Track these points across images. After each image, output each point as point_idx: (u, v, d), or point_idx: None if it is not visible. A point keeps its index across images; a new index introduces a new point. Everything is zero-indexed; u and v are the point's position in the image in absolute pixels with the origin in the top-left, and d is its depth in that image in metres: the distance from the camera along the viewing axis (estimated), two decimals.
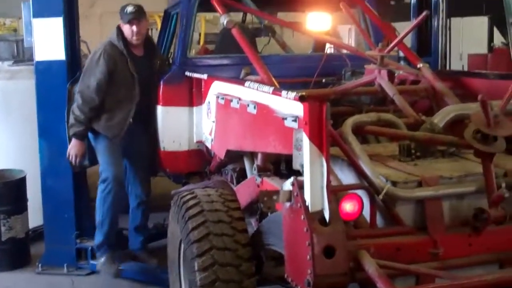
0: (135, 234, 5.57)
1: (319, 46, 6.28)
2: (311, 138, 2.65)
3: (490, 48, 11.73)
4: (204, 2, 5.09)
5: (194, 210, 3.52)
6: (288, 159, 2.97)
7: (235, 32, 4.44)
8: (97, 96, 4.94)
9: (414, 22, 4.27)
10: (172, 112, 5.06)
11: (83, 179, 5.59)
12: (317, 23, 5.26)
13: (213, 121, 4.56)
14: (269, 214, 3.38)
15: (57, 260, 5.42)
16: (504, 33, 7.34)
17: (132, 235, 5.59)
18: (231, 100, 4.00)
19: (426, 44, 6.96)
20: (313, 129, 2.65)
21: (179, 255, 3.91)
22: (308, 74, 5.15)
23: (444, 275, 2.76)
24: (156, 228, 5.92)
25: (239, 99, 3.85)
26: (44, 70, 5.27)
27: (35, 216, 5.82)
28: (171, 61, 5.48)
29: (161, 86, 5.09)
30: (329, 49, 6.09)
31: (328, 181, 2.67)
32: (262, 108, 3.43)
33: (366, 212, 2.95)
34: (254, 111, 3.56)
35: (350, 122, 3.34)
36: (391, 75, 4.76)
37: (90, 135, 5.11)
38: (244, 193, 3.97)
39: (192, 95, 5.02)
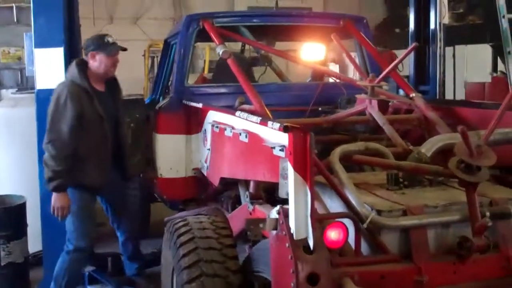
0: (129, 263, 5.57)
1: (318, 74, 6.37)
2: (295, 168, 2.71)
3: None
4: (201, 32, 5.19)
5: (186, 237, 3.58)
6: None
7: (230, 62, 4.54)
8: (71, 143, 4.58)
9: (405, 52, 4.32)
10: (169, 140, 5.13)
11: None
12: (311, 53, 5.34)
13: (209, 149, 4.64)
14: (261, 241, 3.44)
15: None
16: (504, 62, 7.42)
17: (126, 263, 5.59)
18: (225, 129, 4.08)
19: (424, 72, 7.05)
20: (297, 159, 2.71)
21: (171, 281, 3.96)
22: (304, 103, 5.25)
23: None
24: (153, 254, 5.95)
25: (232, 127, 3.93)
26: (44, 99, 5.32)
27: (35, 242, 5.88)
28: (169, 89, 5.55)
29: (159, 114, 5.16)
30: (328, 78, 6.19)
31: (312, 209, 2.73)
32: (253, 137, 3.50)
33: (352, 240, 3.00)
34: (246, 140, 3.63)
35: (338, 151, 3.40)
36: (385, 104, 4.85)
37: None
38: (237, 220, 4.02)
39: (189, 123, 5.10)
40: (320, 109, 5.18)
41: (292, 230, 2.76)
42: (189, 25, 5.22)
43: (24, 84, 7.73)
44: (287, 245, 2.79)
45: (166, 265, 3.98)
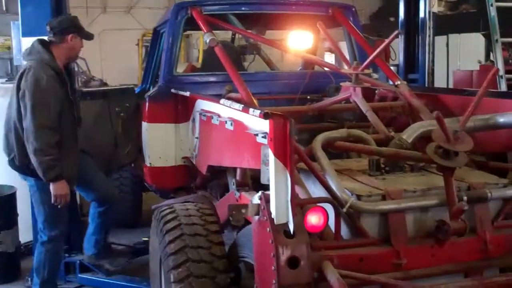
0: (89, 243, 5.39)
1: (308, 63, 6.42)
2: (275, 154, 2.77)
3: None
4: (190, 20, 5.22)
5: (172, 224, 3.64)
6: None
7: (217, 50, 4.58)
8: (59, 128, 4.46)
9: (387, 40, 4.37)
10: (158, 129, 5.16)
11: (72, 194, 5.68)
12: (299, 41, 5.39)
13: (197, 138, 4.69)
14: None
15: None
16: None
17: (91, 238, 5.39)
18: (212, 117, 4.13)
19: (413, 61, 7.11)
20: (278, 145, 2.77)
21: (160, 268, 4.02)
22: (293, 91, 5.30)
23: (404, 285, 2.88)
24: (145, 243, 6.02)
25: (219, 116, 3.98)
26: None
27: (26, 232, 5.93)
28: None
29: (147, 103, 5.20)
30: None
31: (293, 194, 2.80)
32: (238, 125, 3.56)
33: (332, 224, 3.07)
34: (231, 128, 3.68)
35: (320, 138, 3.46)
36: (371, 92, 4.91)
37: (32, 182, 4.67)
38: (224, 207, 4.07)
39: (178, 112, 5.13)
40: (308, 97, 5.23)
41: (273, 215, 2.83)
42: (177, 13, 5.25)
43: (14, 73, 7.73)
44: (268, 229, 2.87)
45: (154, 252, 4.05)
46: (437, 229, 3.08)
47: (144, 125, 5.25)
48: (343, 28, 5.55)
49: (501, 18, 6.81)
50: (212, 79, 5.35)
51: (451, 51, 14.42)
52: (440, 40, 13.08)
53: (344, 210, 3.02)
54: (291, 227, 2.82)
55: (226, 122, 3.76)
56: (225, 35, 7.20)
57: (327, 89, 5.28)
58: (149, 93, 5.30)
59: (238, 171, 3.88)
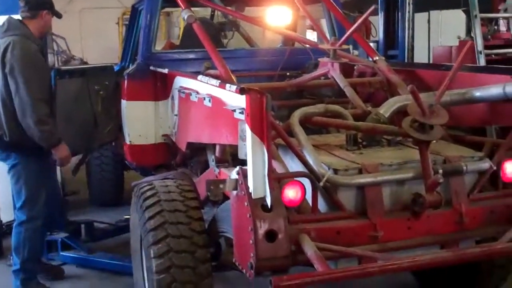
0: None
1: (288, 40, 6.41)
2: (252, 129, 2.79)
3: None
4: None
5: (151, 200, 3.65)
6: None
7: (195, 27, 4.55)
8: (49, 99, 4.58)
9: (364, 15, 4.37)
10: (137, 107, 5.15)
11: (54, 173, 5.68)
12: (278, 17, 5.38)
13: (176, 115, 4.69)
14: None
15: None
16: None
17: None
18: (191, 94, 4.13)
19: (393, 37, 7.15)
20: (255, 120, 2.79)
21: (140, 245, 4.04)
22: (273, 68, 5.29)
23: (380, 257, 2.92)
24: (126, 221, 6.03)
25: (197, 92, 3.98)
26: None
27: (8, 211, 5.92)
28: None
29: (126, 81, 5.18)
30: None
31: (270, 169, 2.82)
32: (216, 101, 3.57)
33: (310, 199, 3.10)
34: (210, 104, 3.69)
35: (297, 113, 3.49)
36: (350, 68, 4.92)
37: (17, 160, 4.65)
38: (204, 184, 4.10)
39: (157, 90, 5.11)
40: (288, 74, 5.23)
41: (251, 189, 2.86)
42: None
43: None
44: (246, 204, 2.90)
45: (134, 228, 4.07)
46: (413, 202, 3.13)
47: (123, 103, 5.23)
48: (322, 4, 5.55)
49: None
50: (191, 56, 5.33)
51: (433, 28, 14.47)
52: (422, 17, 13.12)
53: (321, 184, 3.05)
54: (268, 201, 2.85)
55: (204, 98, 3.76)
56: (204, 12, 7.18)
57: (306, 66, 5.29)
58: (127, 71, 5.28)
59: (217, 148, 3.89)
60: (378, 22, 7.15)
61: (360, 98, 4.34)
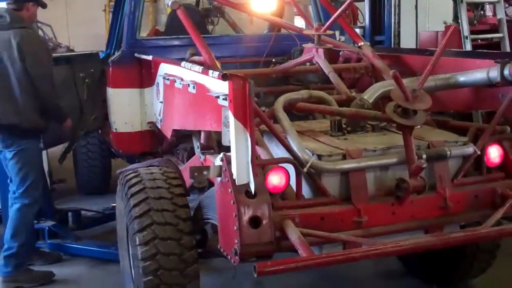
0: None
1: (274, 26, 6.38)
2: (235, 115, 2.79)
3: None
4: None
5: (136, 188, 3.64)
6: None
7: (179, 12, 4.52)
8: None
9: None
10: (122, 94, 5.14)
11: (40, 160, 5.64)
12: (264, 3, 5.36)
13: (161, 102, 4.67)
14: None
15: None
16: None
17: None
18: (175, 81, 4.11)
19: (379, 23, 7.14)
20: (237, 106, 2.79)
21: (126, 232, 4.04)
22: (258, 54, 5.28)
23: (365, 242, 2.93)
24: (114, 209, 6.02)
25: (182, 79, 3.97)
26: None
27: None
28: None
29: (111, 68, 5.15)
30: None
31: (253, 155, 2.82)
32: (200, 88, 3.55)
33: (294, 185, 3.11)
34: (194, 91, 3.68)
35: (281, 99, 3.49)
36: (335, 54, 4.92)
37: (28, 145, 4.76)
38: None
39: (142, 77, 5.10)
40: (273, 60, 5.22)
41: (234, 176, 2.86)
42: None
43: None
44: (230, 190, 2.90)
45: (120, 216, 4.06)
46: (396, 187, 3.15)
47: (109, 90, 5.22)
48: None
49: None
50: (176, 42, 5.31)
51: (420, 13, 14.43)
52: (409, 2, 13.08)
53: (305, 170, 3.05)
54: (252, 187, 2.85)
55: (189, 85, 3.75)
56: None
57: (292, 52, 5.27)
58: (112, 58, 5.25)
59: (202, 135, 3.89)
60: (365, 8, 7.13)
61: (345, 83, 4.35)
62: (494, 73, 3.55)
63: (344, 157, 3.15)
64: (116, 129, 5.21)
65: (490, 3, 8.10)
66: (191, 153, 4.53)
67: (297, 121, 3.92)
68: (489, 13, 8.40)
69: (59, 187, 7.15)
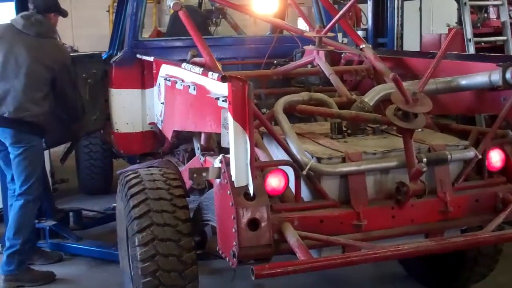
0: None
1: (276, 27, 6.37)
2: (234, 117, 2.78)
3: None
4: None
5: (136, 189, 3.63)
6: None
7: (181, 14, 4.52)
8: None
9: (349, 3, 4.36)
10: (124, 95, 5.14)
11: (43, 160, 5.63)
12: (265, 5, 5.35)
13: (162, 103, 4.67)
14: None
15: None
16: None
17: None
18: (176, 82, 4.11)
19: (382, 25, 7.13)
20: (237, 108, 2.78)
21: (126, 233, 4.03)
22: (260, 56, 5.27)
23: (364, 246, 2.92)
24: (115, 209, 6.02)
25: (183, 80, 3.96)
26: None
27: None
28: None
29: (113, 69, 5.15)
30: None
31: (252, 157, 2.81)
32: (200, 89, 3.55)
33: (294, 187, 3.09)
34: (194, 92, 3.67)
35: (281, 101, 3.48)
36: (337, 56, 4.91)
37: (36, 142, 4.86)
38: None
39: (144, 78, 5.10)
40: (275, 62, 5.21)
41: (233, 178, 2.85)
42: None
43: None
44: (228, 192, 2.89)
45: (120, 216, 4.05)
46: (396, 191, 3.13)
47: (111, 91, 5.21)
48: None
49: None
50: (177, 44, 5.31)
51: (424, 16, 14.41)
52: (413, 4, 13.07)
53: (304, 172, 3.04)
54: (251, 189, 2.84)
55: (189, 87, 3.74)
56: None
57: (294, 54, 5.27)
58: (114, 59, 5.25)
59: (203, 136, 3.88)
60: (367, 10, 7.12)
61: (347, 86, 4.34)
62: (496, 77, 3.53)
63: (343, 160, 3.13)
64: (117, 129, 5.22)
65: (494, 5, 8.09)
66: (192, 154, 4.53)
67: (298, 123, 3.92)
68: (493, 15, 8.38)
69: (61, 187, 7.18)
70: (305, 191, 3.15)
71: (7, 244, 4.86)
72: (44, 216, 5.62)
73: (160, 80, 4.69)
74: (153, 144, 5.24)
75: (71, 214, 5.94)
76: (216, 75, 2.95)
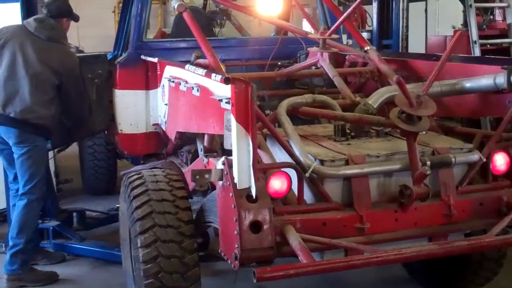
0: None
1: (280, 29, 6.36)
2: (237, 119, 2.77)
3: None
4: None
5: (139, 190, 3.63)
6: None
7: (185, 15, 4.51)
8: None
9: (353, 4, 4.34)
10: (128, 96, 5.13)
11: (47, 160, 5.63)
12: (269, 6, 5.34)
13: (166, 104, 4.66)
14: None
15: None
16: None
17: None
18: (180, 83, 4.10)
19: (387, 27, 7.11)
20: (239, 110, 2.77)
21: (129, 233, 4.03)
22: (264, 57, 5.26)
23: (366, 249, 2.90)
24: (118, 210, 6.02)
25: (186, 82, 3.96)
26: None
27: (0, 199, 5.90)
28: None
29: (117, 70, 5.15)
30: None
31: (255, 159, 2.80)
32: (204, 91, 3.54)
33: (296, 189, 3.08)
34: (198, 94, 3.67)
35: (285, 103, 3.47)
36: (342, 58, 4.90)
37: (40, 143, 4.87)
38: None
39: (148, 79, 5.09)
40: (279, 63, 5.20)
41: (236, 180, 2.84)
42: None
43: None
44: (231, 194, 2.88)
45: (123, 217, 4.05)
46: (400, 194, 3.11)
47: (115, 92, 5.21)
48: None
49: None
50: (182, 45, 5.31)
51: (430, 17, 14.38)
52: (419, 6, 13.03)
53: (307, 175, 3.03)
54: (253, 191, 2.83)
55: (193, 88, 3.74)
56: (197, 0, 7.12)
57: (298, 55, 5.26)
58: (118, 60, 5.25)
59: (206, 137, 3.88)
60: (372, 11, 7.11)
61: (351, 88, 4.32)
62: (500, 79, 3.51)
63: (347, 162, 3.12)
64: (121, 130, 5.21)
65: (499, 8, 8.06)
66: (195, 156, 4.53)
67: (302, 125, 3.90)
68: (498, 17, 8.35)
69: (65, 187, 7.18)
70: (308, 193, 3.14)
71: (11, 243, 4.87)
72: (47, 216, 5.62)
73: (164, 81, 4.69)
74: (157, 145, 5.24)
75: (74, 214, 5.93)
76: (219, 76, 2.94)
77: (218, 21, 6.52)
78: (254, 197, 2.84)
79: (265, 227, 2.83)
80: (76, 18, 5.16)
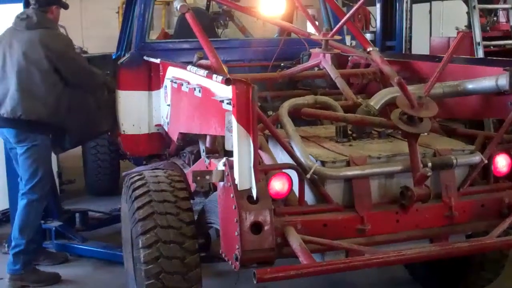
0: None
1: (283, 30, 6.36)
2: (238, 120, 2.77)
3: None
4: None
5: (141, 191, 3.64)
6: None
7: (188, 16, 4.52)
8: None
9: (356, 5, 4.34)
10: (131, 96, 5.13)
11: (49, 159, 5.64)
12: (272, 7, 5.34)
13: (169, 105, 4.67)
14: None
15: None
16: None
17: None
18: (182, 84, 4.11)
19: (391, 28, 7.11)
20: (241, 111, 2.78)
21: (130, 234, 4.03)
22: (267, 58, 5.26)
23: (367, 250, 2.90)
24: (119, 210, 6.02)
25: (188, 83, 3.97)
26: None
27: (3, 199, 5.92)
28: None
29: (120, 70, 5.16)
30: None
31: (256, 160, 2.80)
32: (205, 92, 3.55)
33: (297, 191, 3.08)
34: (200, 95, 3.67)
35: (286, 105, 3.47)
36: (345, 59, 4.89)
37: (40, 141, 4.83)
38: None
39: (151, 79, 5.09)
40: (282, 64, 5.20)
41: (236, 181, 2.84)
42: None
43: None
44: (232, 195, 2.89)
45: (125, 218, 4.05)
46: (401, 195, 3.12)
47: (118, 92, 5.21)
48: None
49: None
50: (185, 46, 5.31)
51: (434, 18, 14.37)
52: (423, 7, 13.02)
53: (308, 176, 3.03)
54: (254, 192, 2.84)
55: (195, 89, 3.75)
56: (200, 1, 7.13)
57: (300, 56, 5.26)
58: (121, 60, 5.26)
59: (208, 138, 3.88)
60: (376, 12, 7.11)
61: (353, 89, 4.32)
62: (502, 81, 3.51)
63: (348, 163, 3.12)
64: (124, 131, 5.22)
65: (503, 9, 8.05)
66: (198, 157, 4.53)
67: (304, 126, 3.90)
68: (502, 19, 8.33)
69: (68, 188, 7.20)
70: (309, 194, 3.13)
71: (13, 243, 4.89)
72: (50, 217, 5.63)
73: (167, 82, 4.70)
74: (159, 146, 5.24)
75: (77, 215, 5.92)
76: (220, 77, 2.94)
77: (221, 22, 6.52)
78: (255, 198, 2.84)
79: (266, 228, 2.84)
80: (65, 6, 5.10)
